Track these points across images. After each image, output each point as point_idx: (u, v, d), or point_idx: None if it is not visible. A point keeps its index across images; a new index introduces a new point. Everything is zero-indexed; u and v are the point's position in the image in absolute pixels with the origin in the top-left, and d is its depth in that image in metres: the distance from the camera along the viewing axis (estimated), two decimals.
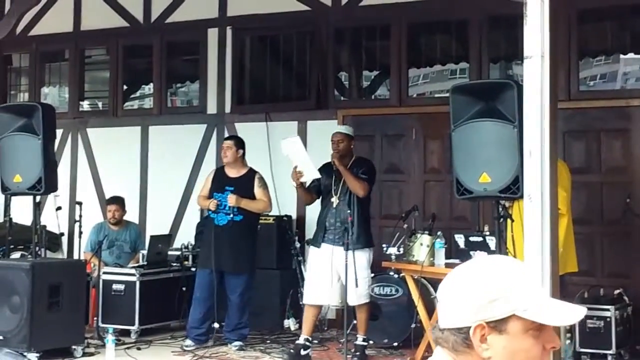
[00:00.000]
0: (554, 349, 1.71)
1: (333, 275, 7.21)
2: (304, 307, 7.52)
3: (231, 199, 7.68)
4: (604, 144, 8.13)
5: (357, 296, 7.11)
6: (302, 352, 7.21)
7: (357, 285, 6.98)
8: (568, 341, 6.93)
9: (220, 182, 7.89)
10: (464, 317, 1.70)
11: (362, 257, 7.15)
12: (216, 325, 7.75)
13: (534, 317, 1.68)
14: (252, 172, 7.97)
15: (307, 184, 7.55)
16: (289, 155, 7.41)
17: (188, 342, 7.77)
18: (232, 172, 7.93)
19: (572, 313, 1.72)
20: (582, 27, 8.24)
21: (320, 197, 7.53)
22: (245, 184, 7.83)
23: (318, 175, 7.31)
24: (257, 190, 7.85)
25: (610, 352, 6.85)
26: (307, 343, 7.28)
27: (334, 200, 7.33)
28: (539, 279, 4.91)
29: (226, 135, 9.78)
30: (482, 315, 1.68)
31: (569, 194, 6.79)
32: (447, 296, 1.75)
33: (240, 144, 8.03)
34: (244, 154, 8.00)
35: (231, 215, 7.71)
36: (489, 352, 1.69)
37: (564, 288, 6.44)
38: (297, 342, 7.31)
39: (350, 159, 7.42)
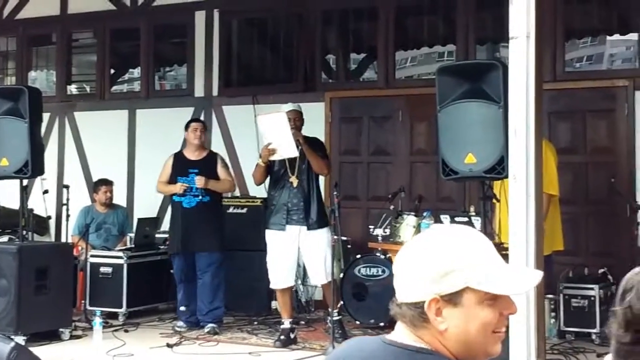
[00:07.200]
0: (511, 314, 1.71)
1: (297, 256, 7.24)
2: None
3: (200, 181, 7.69)
4: (589, 124, 8.15)
5: (326, 275, 7.12)
6: (291, 335, 7.23)
7: (326, 265, 7.04)
8: (552, 320, 6.99)
9: (182, 166, 7.88)
10: (419, 292, 1.69)
11: (326, 236, 7.14)
12: (183, 308, 7.75)
13: (487, 288, 1.67)
14: (213, 154, 8.08)
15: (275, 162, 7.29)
16: (265, 131, 7.22)
17: (180, 323, 7.83)
18: (193, 155, 7.94)
19: (526, 279, 1.72)
20: (568, 8, 8.24)
21: (270, 178, 7.38)
22: (209, 166, 7.85)
23: (296, 154, 7.11)
24: (221, 171, 7.90)
25: (594, 330, 6.89)
26: (294, 325, 7.33)
27: (293, 180, 7.21)
28: (523, 258, 4.95)
29: (214, 118, 9.80)
30: (436, 289, 1.67)
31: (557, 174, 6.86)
32: (402, 270, 1.74)
33: (205, 126, 8.21)
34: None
35: (200, 197, 7.74)
36: (444, 325, 1.68)
37: (551, 266, 6.50)
38: (282, 327, 7.28)
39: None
